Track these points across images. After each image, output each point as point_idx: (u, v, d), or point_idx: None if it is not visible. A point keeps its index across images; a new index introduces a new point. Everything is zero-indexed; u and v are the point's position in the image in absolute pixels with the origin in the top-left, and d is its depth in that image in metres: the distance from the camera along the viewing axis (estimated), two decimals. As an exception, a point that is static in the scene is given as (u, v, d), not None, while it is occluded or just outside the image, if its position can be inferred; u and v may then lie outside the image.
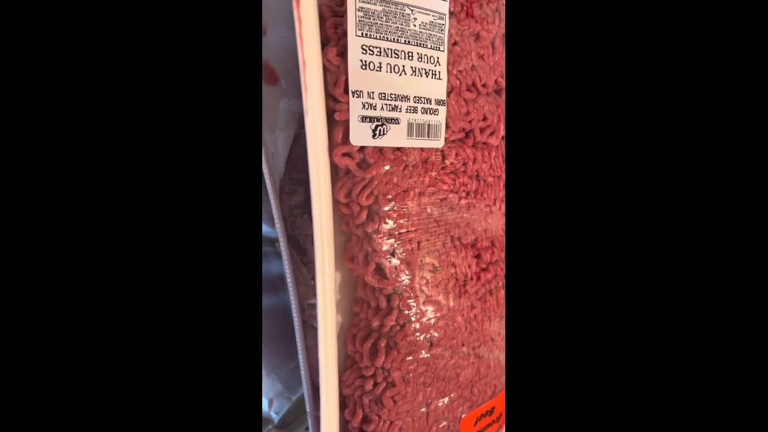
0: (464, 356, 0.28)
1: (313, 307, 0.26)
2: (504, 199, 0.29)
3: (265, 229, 0.29)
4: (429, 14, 0.23)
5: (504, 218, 0.30)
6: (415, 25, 0.22)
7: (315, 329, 0.26)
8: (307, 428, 0.35)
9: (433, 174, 0.25)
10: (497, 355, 0.30)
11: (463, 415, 0.28)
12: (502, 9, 0.27)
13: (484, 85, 0.26)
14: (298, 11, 0.20)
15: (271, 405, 0.32)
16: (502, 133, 0.28)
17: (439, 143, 0.24)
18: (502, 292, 0.30)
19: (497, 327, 0.30)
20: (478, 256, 0.28)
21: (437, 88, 0.24)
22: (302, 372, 0.26)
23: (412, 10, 0.22)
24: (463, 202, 0.27)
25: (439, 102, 0.24)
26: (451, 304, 0.26)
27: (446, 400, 0.27)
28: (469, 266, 0.27)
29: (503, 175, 0.29)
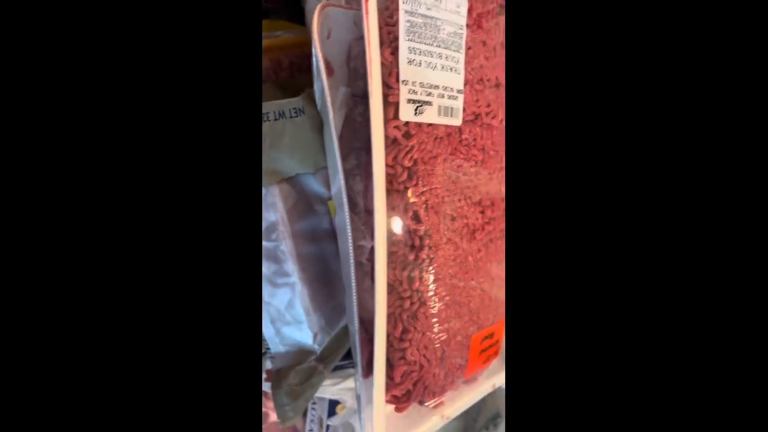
0: (474, 288, 0.36)
1: (362, 247, 0.33)
2: (503, 169, 0.38)
3: (318, 188, 0.37)
4: (453, 26, 0.31)
5: (502, 185, 0.38)
6: (444, 34, 0.30)
7: (362, 265, 0.33)
8: (341, 366, 0.42)
9: (453, 145, 0.33)
10: (496, 291, 0.39)
11: (473, 334, 0.36)
12: (502, 22, 0.35)
13: (488, 80, 0.35)
14: (367, 22, 0.27)
15: (315, 338, 0.40)
16: (501, 117, 0.36)
17: (458, 122, 0.32)
18: (501, 242, 0.38)
19: (496, 269, 0.38)
20: (482, 212, 0.36)
21: (457, 80, 0.32)
22: (353, 302, 0.34)
23: (441, 22, 0.30)
24: (472, 169, 0.35)
25: (459, 91, 0.32)
26: (465, 246, 0.35)
27: (461, 321, 0.35)
28: (477, 219, 0.36)
29: (501, 151, 0.37)
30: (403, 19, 0.28)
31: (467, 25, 0.32)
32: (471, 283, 0.36)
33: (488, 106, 0.35)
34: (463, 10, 0.31)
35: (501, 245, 0.39)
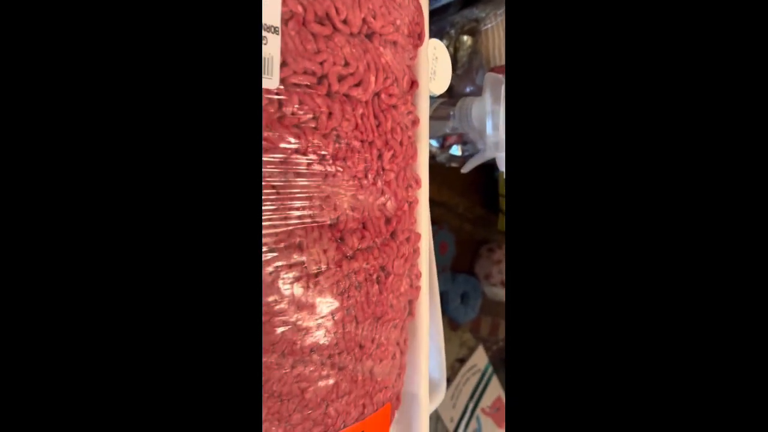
0: (315, 366, 0.21)
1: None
2: (383, 171, 0.24)
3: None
4: None
5: (386, 196, 0.24)
6: None
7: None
8: None
9: (264, 123, 0.19)
10: (370, 366, 0.24)
11: (311, 445, 0.22)
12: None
13: (345, 22, 0.21)
14: None
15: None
16: (375, 87, 0.22)
17: (271, 82, 0.19)
18: (377, 287, 0.24)
19: (369, 331, 0.24)
20: (340, 239, 0.22)
21: (268, 8, 0.18)
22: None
23: None
24: (317, 167, 0.21)
25: (268, 28, 0.18)
26: (296, 297, 0.20)
27: (283, 424, 0.21)
28: (325, 251, 0.21)
29: (378, 141, 0.23)
30: None
31: None
32: (308, 359, 0.21)
33: (345, 64, 0.21)
34: None
35: (381, 291, 0.24)
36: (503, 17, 0.42)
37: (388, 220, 0.25)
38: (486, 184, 0.70)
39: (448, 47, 0.47)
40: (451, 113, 0.42)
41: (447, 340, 0.67)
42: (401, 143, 0.25)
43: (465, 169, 0.42)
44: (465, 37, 0.44)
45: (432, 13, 0.52)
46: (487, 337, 0.74)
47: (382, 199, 0.24)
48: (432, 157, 0.47)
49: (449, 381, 0.68)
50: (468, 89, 0.46)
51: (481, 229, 0.73)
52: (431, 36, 0.50)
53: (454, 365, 0.69)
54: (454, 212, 0.69)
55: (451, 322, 0.66)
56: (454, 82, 0.46)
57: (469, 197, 0.70)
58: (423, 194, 0.28)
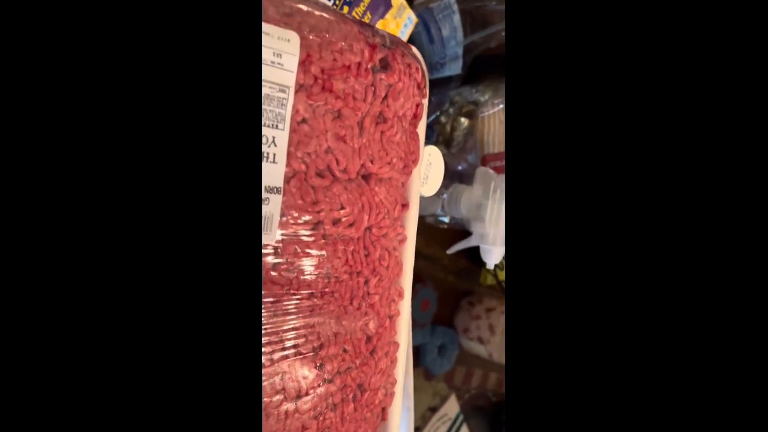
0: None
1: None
2: (368, 295, 0.25)
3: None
4: (264, 85, 0.19)
5: (368, 316, 0.26)
6: (242, 98, 0.18)
7: None
8: None
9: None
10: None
11: None
12: (382, 85, 0.23)
13: (344, 171, 0.22)
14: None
15: None
16: (367, 223, 0.24)
17: (270, 237, 0.20)
18: (352, 406, 0.25)
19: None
20: (320, 366, 0.24)
21: (270, 174, 0.19)
22: None
23: (239, 80, 0.18)
24: (305, 303, 0.22)
25: (270, 190, 0.20)
26: (271, 427, 0.22)
27: None
28: (305, 379, 0.23)
29: (366, 270, 0.25)
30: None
31: (300, 86, 0.20)
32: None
33: (341, 208, 0.22)
34: (290, 62, 0.19)
35: (356, 408, 0.26)
36: (501, 107, 0.43)
37: (369, 339, 0.26)
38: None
39: (445, 125, 0.48)
40: (444, 195, 0.43)
41: (420, 390, 0.69)
42: (387, 267, 0.26)
43: (450, 251, 0.44)
44: (463, 119, 0.46)
45: (433, 84, 0.53)
46: (460, 386, 0.75)
47: (365, 319, 0.26)
48: (422, 216, 0.48)
49: (419, 430, 0.69)
50: (460, 167, 0.48)
51: (464, 281, 0.74)
52: (430, 108, 0.51)
53: (426, 414, 0.70)
54: (439, 264, 0.71)
55: (426, 373, 0.67)
56: (448, 159, 0.48)
57: (454, 250, 0.72)
58: (405, 305, 0.29)
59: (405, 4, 0.42)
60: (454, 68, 0.49)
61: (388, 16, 0.41)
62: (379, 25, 0.40)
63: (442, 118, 0.47)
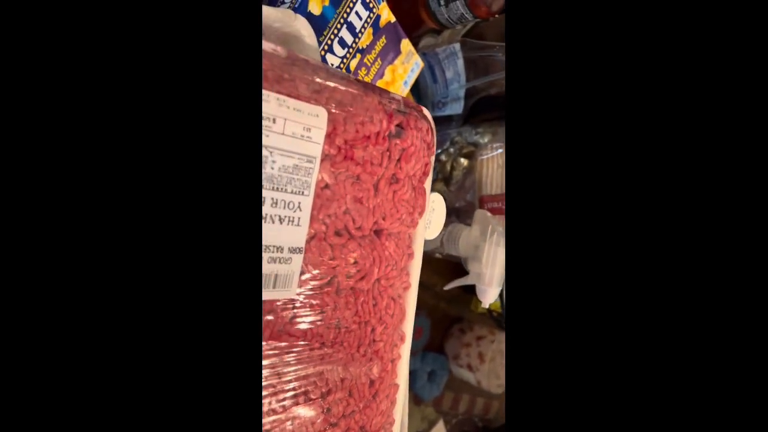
0: None
1: None
2: (373, 342, 0.27)
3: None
4: (293, 157, 0.20)
5: (373, 362, 0.27)
6: (272, 168, 0.20)
7: None
8: None
9: (277, 329, 0.22)
10: None
11: None
12: (396, 150, 0.25)
13: (358, 228, 0.24)
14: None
15: None
16: (377, 275, 0.25)
17: (290, 293, 0.21)
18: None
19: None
20: (327, 411, 0.25)
21: (294, 236, 0.21)
22: None
23: (270, 152, 0.20)
24: (316, 353, 0.24)
25: (293, 250, 0.21)
26: (282, 469, 0.23)
27: None
28: (313, 424, 0.24)
29: (373, 319, 0.26)
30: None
31: (325, 156, 0.21)
32: None
33: (354, 263, 0.24)
34: (318, 135, 0.21)
35: (357, 449, 0.27)
36: (499, 152, 0.45)
37: (372, 383, 0.28)
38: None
39: (445, 164, 0.50)
40: (442, 234, 0.45)
41: (409, 414, 0.70)
42: (393, 315, 0.28)
43: (447, 287, 0.46)
44: (462, 159, 0.48)
45: (434, 121, 0.55)
46: (448, 411, 0.76)
47: (369, 364, 0.27)
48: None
49: (406, 454, 0.70)
50: (458, 204, 0.50)
51: (456, 307, 0.76)
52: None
53: (413, 439, 0.71)
54: (432, 291, 0.72)
55: (415, 398, 0.68)
56: (447, 196, 0.50)
57: (447, 276, 0.74)
58: (406, 348, 0.30)
59: (413, 50, 0.44)
60: (456, 108, 0.51)
61: (396, 61, 0.43)
62: (388, 70, 0.42)
63: (443, 157, 0.49)
